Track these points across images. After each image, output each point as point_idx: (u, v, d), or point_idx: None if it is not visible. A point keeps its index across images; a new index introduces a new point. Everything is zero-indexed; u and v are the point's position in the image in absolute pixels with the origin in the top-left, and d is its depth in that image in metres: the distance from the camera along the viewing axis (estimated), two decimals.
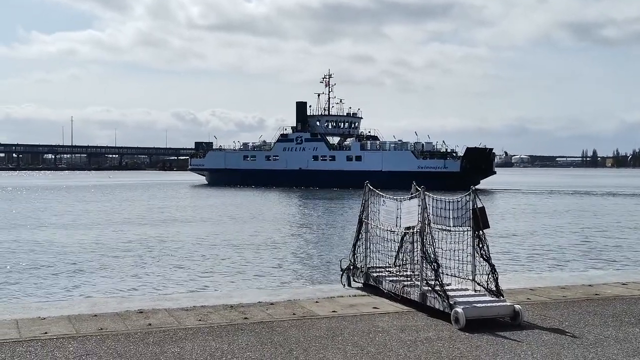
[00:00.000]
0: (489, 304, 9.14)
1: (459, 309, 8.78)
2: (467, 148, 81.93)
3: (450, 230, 9.95)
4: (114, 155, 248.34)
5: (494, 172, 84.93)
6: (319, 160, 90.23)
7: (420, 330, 8.68)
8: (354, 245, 11.83)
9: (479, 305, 9.06)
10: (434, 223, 9.90)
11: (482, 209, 9.58)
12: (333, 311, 9.63)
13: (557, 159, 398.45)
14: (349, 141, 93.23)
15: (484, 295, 9.50)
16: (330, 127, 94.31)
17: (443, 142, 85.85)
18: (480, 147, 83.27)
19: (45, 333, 8.19)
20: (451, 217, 9.80)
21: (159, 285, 18.06)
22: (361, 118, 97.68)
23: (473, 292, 9.70)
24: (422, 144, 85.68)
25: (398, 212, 10.57)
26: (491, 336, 8.39)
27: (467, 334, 8.47)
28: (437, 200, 10.01)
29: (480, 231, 9.58)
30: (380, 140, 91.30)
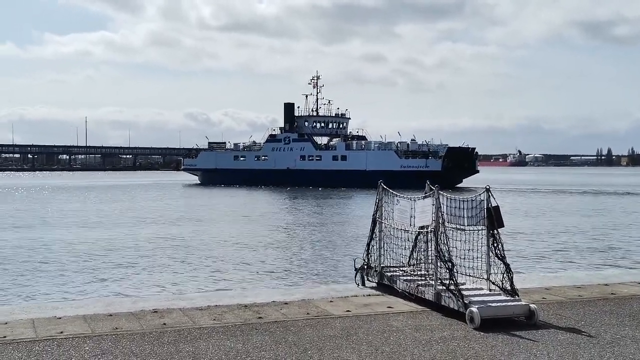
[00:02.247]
0: (504, 304, 9.10)
1: (474, 309, 8.74)
2: (449, 148, 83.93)
3: (464, 230, 9.91)
4: (127, 156, 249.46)
5: (477, 171, 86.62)
6: (306, 160, 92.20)
7: (435, 329, 8.65)
8: (368, 245, 11.81)
9: (494, 304, 9.02)
10: (448, 222, 9.87)
11: (497, 207, 9.54)
12: (347, 311, 9.63)
13: (571, 157, 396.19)
14: (334, 141, 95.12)
15: (499, 294, 9.46)
16: (318, 127, 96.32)
17: (426, 142, 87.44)
18: (462, 146, 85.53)
19: (61, 332, 8.24)
20: (465, 216, 9.76)
21: (174, 285, 18.12)
22: (349, 118, 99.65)
23: (488, 292, 9.66)
24: (407, 144, 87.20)
25: (412, 211, 10.56)
26: (506, 336, 8.35)
27: (482, 333, 8.44)
28: (451, 199, 9.98)
29: (495, 230, 9.54)
30: (368, 140, 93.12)
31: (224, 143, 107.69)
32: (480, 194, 9.67)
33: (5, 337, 8.02)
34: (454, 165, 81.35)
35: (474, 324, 8.68)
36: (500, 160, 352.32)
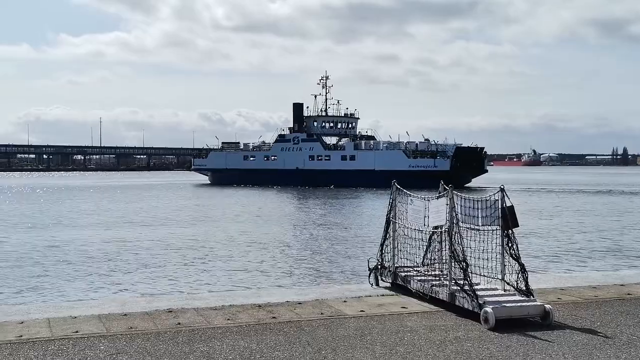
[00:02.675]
0: (518, 304, 9.05)
1: (489, 309, 8.71)
2: (457, 147, 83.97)
3: (479, 230, 9.87)
4: (141, 156, 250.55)
5: (486, 171, 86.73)
6: (314, 160, 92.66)
7: (450, 330, 8.62)
8: (382, 245, 11.79)
9: (508, 305, 8.98)
10: (462, 222, 9.83)
11: (512, 207, 9.49)
12: (361, 311, 9.61)
13: (586, 157, 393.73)
14: (343, 141, 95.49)
15: (514, 294, 9.41)
16: (327, 127, 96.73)
17: (434, 141, 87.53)
18: (471, 146, 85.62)
19: (77, 332, 8.28)
20: (480, 216, 9.72)
21: (188, 284, 18.18)
22: (358, 118, 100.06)
23: (502, 292, 9.61)
24: (416, 144, 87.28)
25: (426, 211, 10.52)
26: (521, 336, 8.30)
27: (496, 334, 8.40)
28: (465, 199, 9.94)
29: (510, 230, 9.49)
30: (377, 140, 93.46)
31: (237, 143, 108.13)
32: (494, 194, 9.63)
33: (21, 336, 8.08)
34: (462, 165, 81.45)
35: (488, 325, 8.64)
36: (515, 159, 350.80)
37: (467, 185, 78.70)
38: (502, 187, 9.68)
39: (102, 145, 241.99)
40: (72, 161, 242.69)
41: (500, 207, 9.49)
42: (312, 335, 8.29)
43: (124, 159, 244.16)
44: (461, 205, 9.90)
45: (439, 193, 10.41)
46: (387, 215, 11.73)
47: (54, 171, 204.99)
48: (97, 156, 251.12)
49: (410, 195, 11.16)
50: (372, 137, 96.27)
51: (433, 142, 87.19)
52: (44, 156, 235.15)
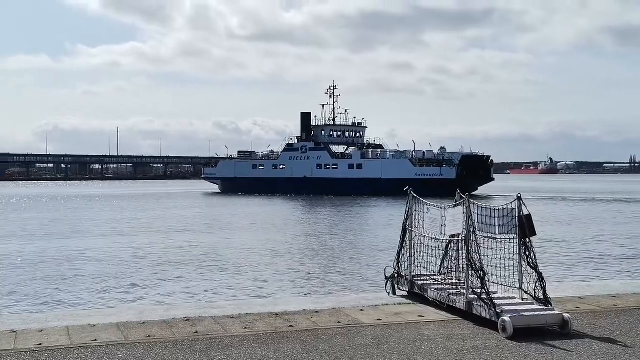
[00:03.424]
0: (537, 313, 9.00)
1: (507, 318, 8.66)
2: (463, 155, 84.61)
3: (496, 238, 9.83)
4: (158, 165, 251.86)
5: (492, 179, 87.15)
6: (322, 169, 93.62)
7: (467, 339, 8.59)
8: (398, 253, 11.77)
9: (526, 313, 8.93)
10: (479, 231, 9.80)
11: (529, 216, 9.45)
12: (378, 319, 9.60)
13: (604, 165, 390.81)
14: (350, 150, 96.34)
15: (532, 303, 9.36)
16: (335, 136, 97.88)
17: (440, 149, 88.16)
18: (477, 154, 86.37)
19: (95, 340, 8.34)
20: (497, 224, 9.68)
21: (205, 292, 18.23)
22: (365, 127, 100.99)
23: (520, 301, 9.56)
24: (423, 152, 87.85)
25: (442, 219, 10.50)
26: (540, 345, 8.25)
27: (514, 343, 8.36)
28: (482, 207, 9.91)
29: (527, 238, 9.45)
30: (385, 149, 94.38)
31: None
32: (511, 202, 9.60)
33: (40, 344, 8.14)
34: (468, 173, 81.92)
35: (506, 334, 8.60)
36: (532, 167, 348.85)
37: (473, 193, 78.08)
38: (519, 195, 9.65)
39: (119, 155, 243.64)
40: (89, 170, 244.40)
41: (517, 215, 9.46)
42: (329, 344, 8.29)
43: (141, 168, 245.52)
44: (478, 214, 9.88)
45: (456, 201, 10.39)
46: (403, 223, 11.72)
47: (72, 180, 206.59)
48: (115, 165, 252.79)
49: (426, 203, 11.14)
50: (379, 146, 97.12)
51: (439, 151, 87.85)
52: (62, 165, 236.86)
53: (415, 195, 11.55)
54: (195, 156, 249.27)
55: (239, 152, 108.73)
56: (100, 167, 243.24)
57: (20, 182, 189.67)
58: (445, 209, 10.50)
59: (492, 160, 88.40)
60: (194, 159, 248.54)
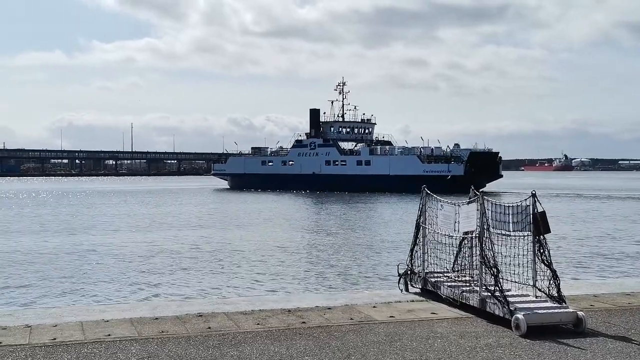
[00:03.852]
0: (550, 310, 8.95)
1: (520, 315, 8.62)
2: (471, 152, 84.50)
3: (509, 235, 9.78)
4: (172, 161, 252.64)
5: (501, 176, 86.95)
6: (331, 165, 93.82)
7: (480, 336, 8.55)
8: (412, 250, 11.74)
9: (540, 311, 8.88)
10: (493, 228, 9.76)
11: (543, 213, 9.39)
12: (391, 316, 9.58)
13: (619, 162, 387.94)
14: (359, 146, 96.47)
15: (546, 301, 9.31)
16: (343, 132, 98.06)
17: (447, 146, 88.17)
18: (485, 150, 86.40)
19: (109, 335, 8.38)
20: (511, 221, 9.63)
21: (218, 288, 18.27)
22: (374, 124, 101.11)
23: (534, 298, 9.51)
24: (432, 149, 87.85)
25: (456, 216, 10.46)
26: (553, 343, 8.21)
27: (528, 340, 8.32)
28: (496, 204, 9.86)
29: (541, 236, 9.40)
30: (393, 145, 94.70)
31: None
32: (525, 200, 9.54)
33: (55, 339, 8.19)
34: (476, 169, 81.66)
35: (520, 331, 8.56)
36: (546, 164, 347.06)
37: (481, 190, 78.09)
38: (533, 192, 9.59)
39: (133, 151, 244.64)
40: (104, 166, 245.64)
41: (531, 212, 9.40)
42: (341, 341, 8.28)
43: (154, 164, 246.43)
44: (492, 211, 9.83)
45: (470, 198, 10.34)
46: (417, 220, 11.69)
47: (86, 176, 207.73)
48: (129, 161, 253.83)
49: (440, 200, 11.10)
50: (388, 142, 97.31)
51: (453, 147, 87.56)
52: (77, 161, 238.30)
53: (429, 192, 11.51)
54: (209, 152, 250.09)
55: (252, 148, 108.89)
56: (114, 162, 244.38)
57: (35, 177, 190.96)
58: (459, 205, 10.46)
59: (500, 157, 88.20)
60: (207, 155, 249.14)
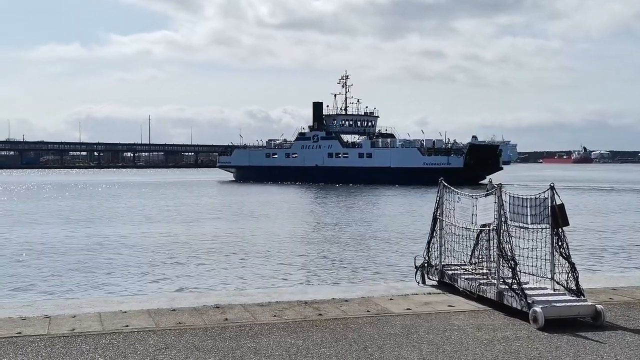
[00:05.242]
0: (569, 304, 8.88)
1: (538, 308, 8.57)
2: (471, 145, 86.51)
3: (527, 228, 9.71)
4: (189, 153, 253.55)
5: (501, 168, 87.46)
6: (333, 158, 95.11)
7: (497, 329, 8.51)
8: (428, 243, 11.70)
9: (558, 304, 8.82)
10: (510, 220, 9.69)
11: (562, 205, 9.31)
12: (407, 309, 9.56)
13: (639, 154, 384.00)
14: (361, 139, 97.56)
15: (564, 294, 9.24)
16: (346, 125, 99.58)
17: (448, 139, 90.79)
18: (485, 143, 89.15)
19: (127, 326, 8.43)
20: (529, 214, 9.56)
21: (234, 280, 18.35)
22: (377, 117, 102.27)
23: (552, 291, 9.45)
24: (433, 142, 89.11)
25: (474, 209, 10.40)
26: (571, 337, 8.15)
27: (546, 334, 8.27)
28: (514, 197, 9.80)
29: (560, 228, 9.32)
30: (396, 138, 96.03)
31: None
32: (544, 192, 9.47)
33: (74, 329, 8.26)
34: (475, 162, 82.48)
35: (537, 324, 8.51)
36: (565, 157, 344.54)
37: (481, 182, 79.30)
38: (552, 184, 9.51)
39: (150, 143, 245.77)
40: (121, 158, 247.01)
41: (550, 205, 9.33)
42: (358, 333, 8.28)
43: (172, 156, 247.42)
44: (510, 203, 9.77)
45: (487, 190, 10.28)
46: (434, 212, 11.64)
47: (104, 168, 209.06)
48: (146, 153, 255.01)
49: (457, 192, 11.05)
50: (391, 135, 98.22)
51: (447, 140, 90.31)
52: (95, 153, 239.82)
53: (446, 185, 11.46)
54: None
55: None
56: (132, 155, 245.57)
57: (54, 169, 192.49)
58: (476, 198, 10.40)
59: (501, 150, 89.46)
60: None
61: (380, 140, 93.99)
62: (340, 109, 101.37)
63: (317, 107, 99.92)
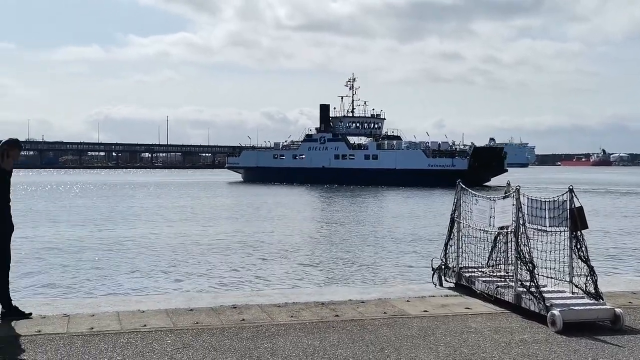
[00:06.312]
0: (587, 307, 8.82)
1: (556, 311, 8.52)
2: (475, 147, 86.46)
3: (546, 231, 9.66)
4: (207, 154, 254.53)
5: (505, 170, 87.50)
6: (340, 159, 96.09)
7: (515, 332, 8.47)
8: (446, 245, 11.66)
9: (576, 307, 8.76)
10: (529, 223, 9.64)
11: (581, 208, 9.25)
12: (424, 311, 9.54)
13: None
14: (367, 141, 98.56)
15: (582, 297, 9.18)
16: (352, 127, 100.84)
17: (453, 142, 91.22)
18: (490, 146, 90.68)
19: (145, 325, 8.48)
20: (547, 216, 9.51)
21: (251, 281, 18.40)
22: (384, 119, 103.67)
23: (570, 295, 9.39)
24: (439, 144, 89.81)
25: (491, 211, 10.37)
26: (590, 340, 8.10)
27: (564, 337, 8.22)
28: (532, 199, 9.75)
29: (579, 231, 9.26)
30: (403, 140, 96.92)
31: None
32: (562, 194, 9.41)
33: (92, 328, 8.33)
34: (480, 164, 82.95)
35: (555, 327, 8.46)
36: (583, 159, 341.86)
37: (486, 184, 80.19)
38: (570, 187, 9.46)
39: (168, 144, 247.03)
40: (139, 159, 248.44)
41: (568, 208, 9.27)
42: (375, 334, 8.28)
43: (189, 157, 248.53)
44: (528, 206, 9.72)
45: (505, 193, 10.24)
46: (451, 214, 11.61)
47: (122, 168, 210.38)
48: (164, 154, 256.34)
49: (475, 195, 11.01)
50: (397, 137, 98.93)
51: (452, 142, 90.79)
52: (113, 154, 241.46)
53: (464, 187, 11.43)
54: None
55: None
56: (150, 155, 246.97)
57: (73, 169, 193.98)
58: (494, 200, 10.36)
59: (505, 153, 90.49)
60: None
61: (385, 142, 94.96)
62: (347, 111, 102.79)
63: (324, 109, 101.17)
